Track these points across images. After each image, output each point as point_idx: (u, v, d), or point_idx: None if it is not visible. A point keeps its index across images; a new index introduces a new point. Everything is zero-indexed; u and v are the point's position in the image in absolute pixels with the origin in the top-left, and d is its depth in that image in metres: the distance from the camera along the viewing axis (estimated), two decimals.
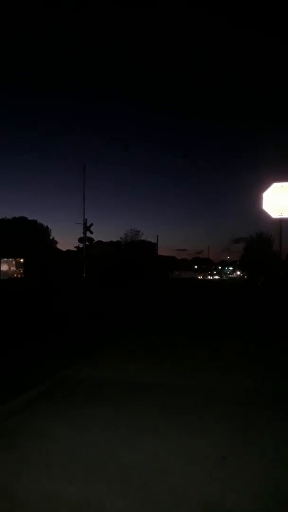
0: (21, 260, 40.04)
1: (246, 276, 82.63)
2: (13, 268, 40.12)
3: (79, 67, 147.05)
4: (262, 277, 51.69)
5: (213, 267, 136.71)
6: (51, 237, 55.90)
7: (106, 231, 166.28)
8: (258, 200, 10.70)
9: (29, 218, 53.71)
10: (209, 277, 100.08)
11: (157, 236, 71.91)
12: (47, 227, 55.56)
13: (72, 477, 2.49)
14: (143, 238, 54.99)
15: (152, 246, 55.86)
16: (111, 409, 3.65)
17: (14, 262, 40.12)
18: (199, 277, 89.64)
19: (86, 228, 30.20)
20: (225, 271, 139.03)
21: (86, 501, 2.26)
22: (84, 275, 30.28)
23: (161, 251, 65.58)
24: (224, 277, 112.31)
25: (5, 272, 38.64)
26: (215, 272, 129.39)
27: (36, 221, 54.21)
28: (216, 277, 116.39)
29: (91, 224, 30.41)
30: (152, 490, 2.37)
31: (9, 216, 53.07)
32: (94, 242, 32.99)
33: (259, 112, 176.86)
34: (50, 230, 56.12)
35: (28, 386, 4.27)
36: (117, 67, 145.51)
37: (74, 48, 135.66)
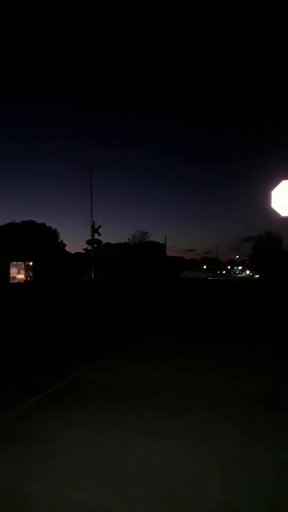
0: (30, 263, 40.33)
1: (256, 275, 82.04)
2: (22, 271, 40.45)
3: (89, 72, 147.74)
4: (272, 275, 51.32)
5: (222, 267, 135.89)
6: (59, 240, 56.06)
7: (114, 233, 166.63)
8: (266, 199, 10.57)
9: (38, 221, 53.91)
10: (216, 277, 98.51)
11: (165, 237, 72.02)
12: (55, 230, 55.76)
13: (82, 481, 2.47)
14: (151, 239, 54.80)
15: (161, 247, 55.64)
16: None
17: (23, 266, 40.44)
18: (209, 278, 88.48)
19: (94, 230, 30.21)
20: (234, 270, 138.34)
21: (94, 505, 2.24)
22: (93, 276, 30.33)
23: (169, 252, 65.38)
24: (233, 276, 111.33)
25: (15, 276, 38.97)
26: (224, 272, 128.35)
27: (44, 224, 54.43)
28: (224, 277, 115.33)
29: (99, 226, 30.39)
30: (162, 497, 2.34)
31: (18, 220, 53.42)
32: (102, 243, 33.02)
33: (267, 111, 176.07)
34: (59, 233, 56.27)
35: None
36: (126, 73, 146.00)
37: (84, 53, 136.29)
